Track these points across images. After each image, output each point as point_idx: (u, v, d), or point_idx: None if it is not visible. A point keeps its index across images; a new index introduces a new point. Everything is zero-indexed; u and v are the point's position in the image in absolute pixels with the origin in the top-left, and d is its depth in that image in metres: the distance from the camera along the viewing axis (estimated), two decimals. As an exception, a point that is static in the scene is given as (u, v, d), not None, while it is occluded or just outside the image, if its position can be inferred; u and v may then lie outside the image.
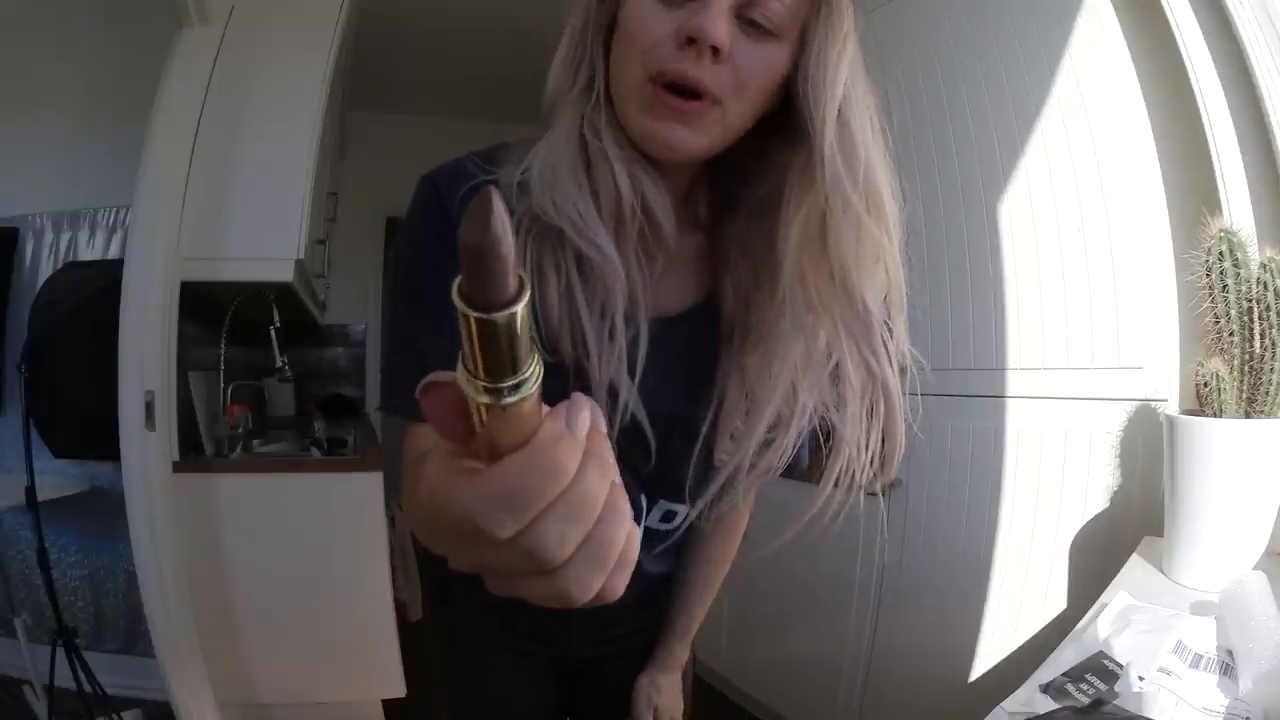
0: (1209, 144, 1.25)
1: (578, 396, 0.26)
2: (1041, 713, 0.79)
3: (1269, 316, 1.02)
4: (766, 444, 0.60)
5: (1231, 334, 1.07)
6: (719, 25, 0.51)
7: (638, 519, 0.59)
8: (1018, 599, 1.53)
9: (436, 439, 0.28)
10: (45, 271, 2.20)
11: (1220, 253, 1.06)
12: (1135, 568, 1.16)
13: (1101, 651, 0.89)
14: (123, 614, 2.17)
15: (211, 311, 2.34)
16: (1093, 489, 1.42)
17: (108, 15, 2.19)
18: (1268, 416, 1.04)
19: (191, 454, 2.05)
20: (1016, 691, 0.86)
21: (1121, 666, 0.85)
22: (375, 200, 3.63)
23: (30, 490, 1.66)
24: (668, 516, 0.73)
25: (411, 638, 2.13)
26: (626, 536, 0.27)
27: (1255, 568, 1.03)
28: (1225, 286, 1.06)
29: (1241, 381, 1.07)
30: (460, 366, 0.24)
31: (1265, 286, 1.02)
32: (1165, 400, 1.31)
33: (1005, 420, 1.57)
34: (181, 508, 1.83)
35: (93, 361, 1.79)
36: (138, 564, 1.74)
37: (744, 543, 0.87)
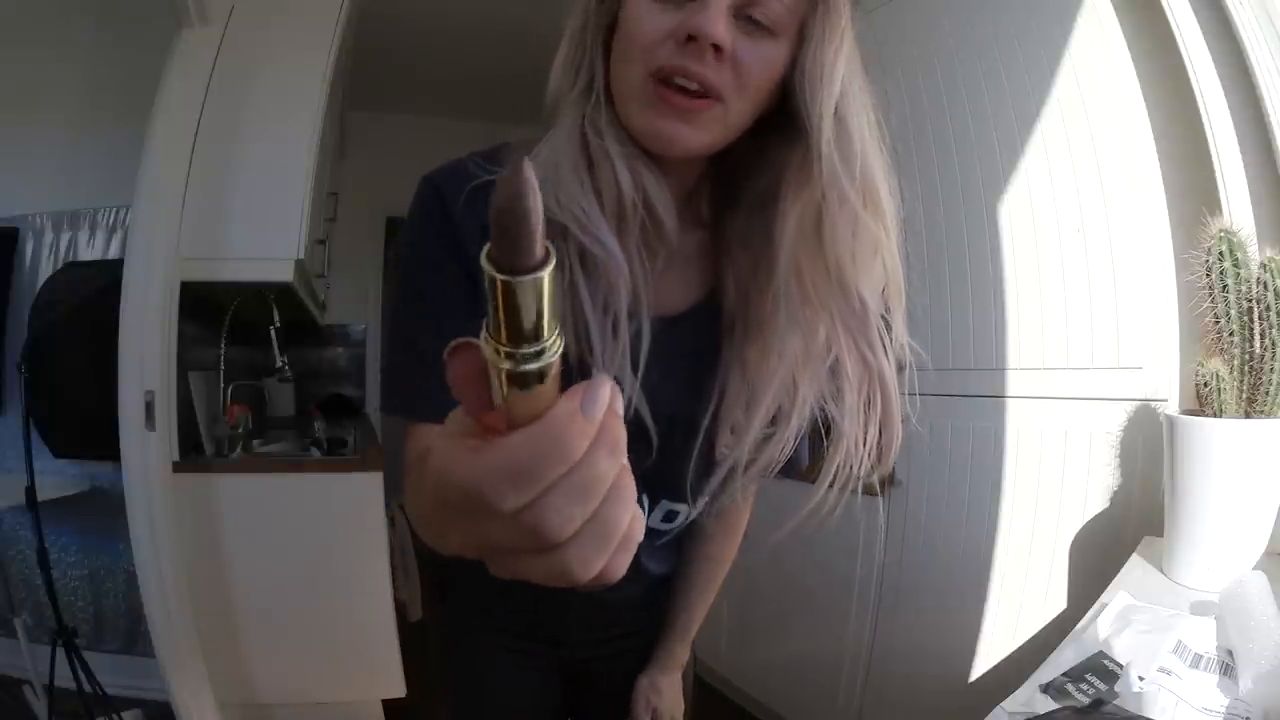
0: (1209, 144, 1.25)
1: (598, 377, 0.26)
2: (1041, 713, 0.79)
3: (1269, 316, 1.02)
4: (767, 437, 0.61)
5: (1231, 334, 1.06)
6: (719, 23, 0.51)
7: None
8: (1018, 599, 1.53)
9: (444, 425, 0.28)
10: (45, 271, 2.20)
11: (1220, 253, 1.06)
12: (1135, 568, 1.16)
13: (1101, 651, 0.89)
14: (123, 614, 2.17)
15: (211, 311, 2.34)
16: (1093, 489, 1.42)
17: (108, 15, 2.19)
18: (1268, 416, 1.04)
19: (191, 454, 2.05)
20: (1016, 691, 0.86)
21: (1121, 666, 0.85)
22: (375, 200, 3.63)
23: (30, 490, 1.66)
24: (669, 516, 0.73)
25: (411, 638, 2.13)
26: (631, 518, 0.27)
27: (1255, 568, 1.03)
28: (1225, 286, 1.06)
29: (1241, 381, 1.07)
30: (484, 333, 0.24)
31: (1265, 286, 1.02)
32: (1165, 400, 1.31)
33: (1005, 420, 1.57)
34: (181, 508, 1.83)
35: (93, 361, 1.79)
36: (138, 564, 1.74)
37: (744, 541, 0.87)
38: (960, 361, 1.65)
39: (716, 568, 0.86)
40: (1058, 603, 1.45)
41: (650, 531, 0.72)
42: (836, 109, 0.54)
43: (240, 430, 2.23)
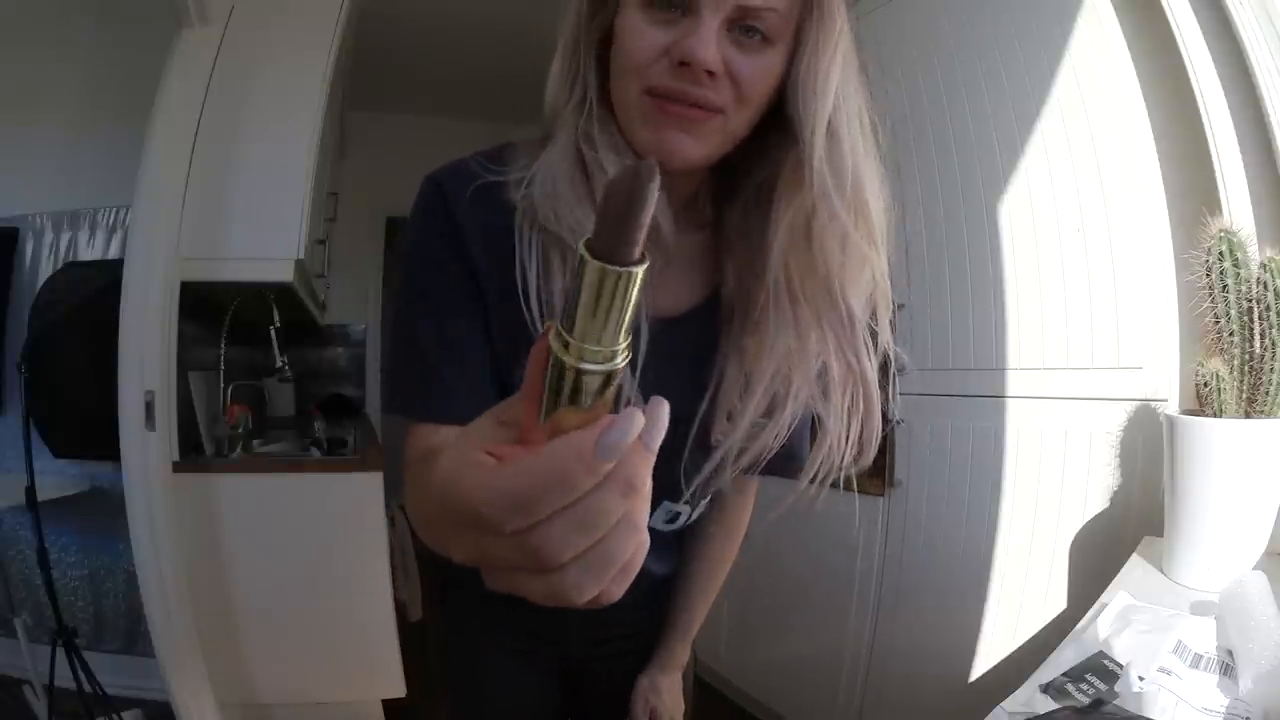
0: (1209, 144, 1.25)
1: (630, 411, 0.25)
2: (1041, 713, 0.79)
3: (1269, 316, 1.02)
4: (761, 426, 0.62)
5: (1231, 334, 1.06)
6: (710, 48, 0.51)
7: None
8: (1018, 599, 1.53)
9: (463, 430, 0.28)
10: (45, 271, 2.20)
11: (1220, 253, 1.06)
12: (1135, 568, 1.16)
13: (1101, 651, 0.89)
14: (123, 614, 2.17)
15: (211, 311, 2.34)
16: (1093, 489, 1.42)
17: (108, 15, 2.19)
18: (1268, 416, 1.04)
19: (191, 454, 2.05)
20: (1016, 691, 0.86)
21: (1121, 666, 0.85)
22: (375, 200, 3.63)
23: (30, 490, 1.66)
24: (672, 518, 0.73)
25: (411, 638, 2.13)
26: (634, 548, 0.27)
27: (1255, 568, 1.03)
28: (1225, 286, 1.06)
29: (1241, 381, 1.07)
30: (555, 325, 0.24)
31: (1265, 286, 1.02)
32: (1165, 400, 1.31)
33: (1005, 420, 1.57)
34: (181, 508, 1.83)
35: (93, 361, 1.79)
36: (138, 564, 1.74)
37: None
38: (960, 361, 1.65)
39: (717, 569, 0.86)
40: (1058, 603, 1.45)
41: (652, 533, 0.72)
42: (829, 123, 0.54)
43: (240, 430, 2.23)
